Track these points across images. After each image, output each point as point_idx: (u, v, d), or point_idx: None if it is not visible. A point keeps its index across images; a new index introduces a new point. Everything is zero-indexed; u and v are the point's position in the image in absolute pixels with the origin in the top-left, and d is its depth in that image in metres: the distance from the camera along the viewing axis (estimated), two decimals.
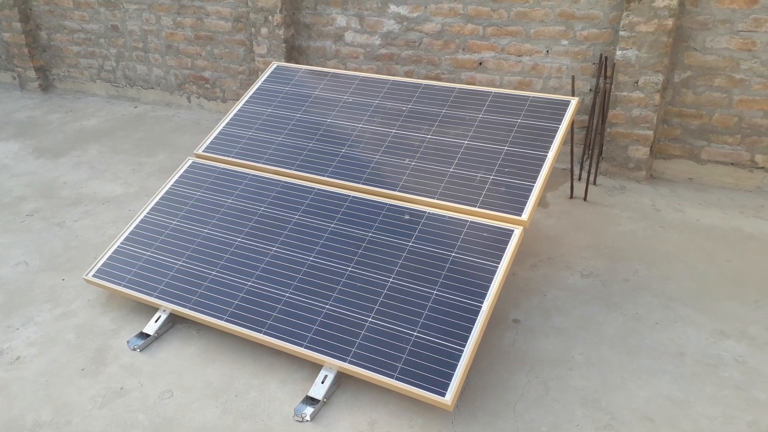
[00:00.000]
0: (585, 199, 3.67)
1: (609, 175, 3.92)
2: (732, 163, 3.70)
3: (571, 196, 3.71)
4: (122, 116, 5.30)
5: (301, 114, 3.36)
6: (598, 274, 3.00)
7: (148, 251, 2.88)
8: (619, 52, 3.60)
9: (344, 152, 3.09)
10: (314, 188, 2.97)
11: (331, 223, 2.78)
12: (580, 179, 3.88)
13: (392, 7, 4.23)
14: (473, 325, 2.29)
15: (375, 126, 3.17)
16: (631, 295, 2.83)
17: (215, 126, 4.98)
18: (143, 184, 4.04)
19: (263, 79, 3.66)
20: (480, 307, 2.33)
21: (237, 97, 5.15)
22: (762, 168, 3.65)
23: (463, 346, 2.23)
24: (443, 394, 2.12)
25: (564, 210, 3.58)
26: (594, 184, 3.84)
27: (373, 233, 2.70)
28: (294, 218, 2.85)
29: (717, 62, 3.52)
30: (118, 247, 2.94)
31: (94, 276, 2.84)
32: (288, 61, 4.63)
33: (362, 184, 2.92)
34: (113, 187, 4.02)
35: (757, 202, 3.58)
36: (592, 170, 3.84)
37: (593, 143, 3.77)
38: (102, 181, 4.11)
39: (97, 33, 5.49)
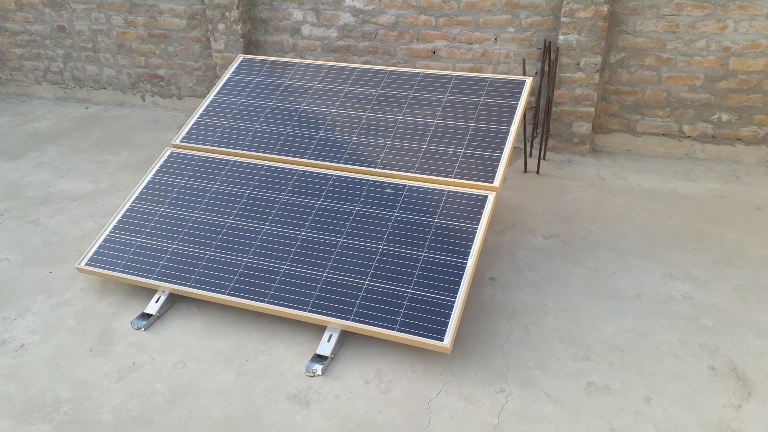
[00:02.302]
0: (537, 172, 4.01)
1: (556, 151, 4.29)
2: (663, 134, 4.14)
3: (525, 171, 4.04)
4: (74, 117, 5.26)
5: (274, 102, 3.52)
6: (558, 235, 3.32)
7: (139, 237, 2.98)
8: (561, 37, 3.96)
9: (321, 135, 3.28)
10: (297, 170, 3.14)
11: (318, 200, 2.97)
12: (531, 155, 4.22)
13: (348, 1, 4.44)
14: (461, 279, 2.54)
15: (348, 110, 3.38)
16: (589, 251, 3.17)
17: (176, 121, 5.04)
18: (113, 181, 4.08)
19: (231, 71, 3.80)
20: (465, 263, 2.59)
21: (194, 94, 5.22)
22: (689, 137, 4.10)
23: (455, 297, 2.48)
24: (442, 339, 2.36)
25: (520, 183, 3.91)
26: (544, 159, 4.19)
27: (359, 207, 2.91)
28: (281, 198, 3.02)
29: (647, 43, 3.93)
30: (108, 235, 3.02)
31: (87, 264, 2.91)
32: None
33: (342, 163, 3.12)
34: (81, 184, 4.04)
35: (686, 167, 4.03)
36: (542, 147, 4.19)
37: (542, 121, 4.12)
38: (68, 179, 4.11)
39: (42, 34, 5.41)
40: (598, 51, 3.91)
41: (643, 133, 4.18)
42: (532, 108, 4.22)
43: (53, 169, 4.26)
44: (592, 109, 4.08)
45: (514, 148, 4.39)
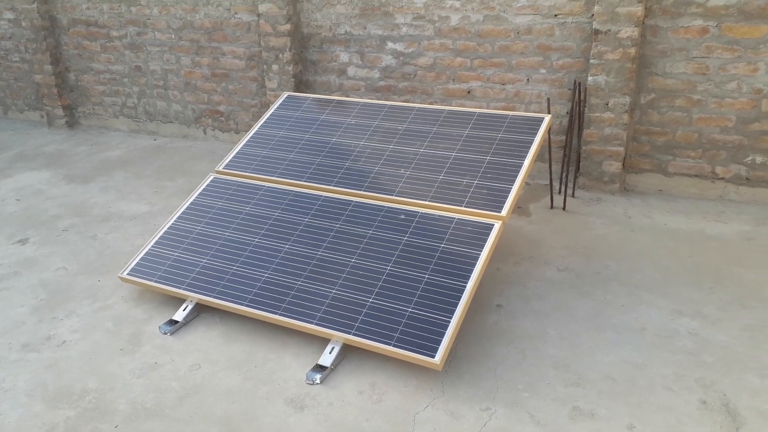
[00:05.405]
0: (564, 209, 4.07)
1: (586, 189, 4.34)
2: (696, 175, 4.12)
3: (551, 207, 4.12)
4: (143, 147, 5.77)
5: (309, 135, 3.81)
6: (573, 268, 3.38)
7: (176, 252, 3.28)
8: (590, 78, 4.06)
9: (348, 165, 3.52)
10: (322, 196, 3.38)
11: (337, 224, 3.19)
12: (560, 192, 4.29)
13: (390, 44, 4.73)
14: (458, 301, 2.66)
15: (375, 143, 3.61)
16: (601, 285, 3.20)
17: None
18: (166, 204, 4.47)
19: (276, 106, 4.13)
20: (465, 286, 2.71)
21: (249, 129, 5.62)
22: (722, 179, 4.06)
23: (450, 318, 2.61)
24: (433, 356, 2.48)
25: (544, 218, 3.98)
26: (572, 196, 4.25)
27: (373, 231, 3.10)
28: (304, 221, 3.26)
29: (677, 85, 3.98)
30: (149, 249, 3.34)
31: (128, 274, 3.24)
32: None
33: (363, 191, 3.34)
34: (138, 206, 4.45)
35: (718, 209, 3.98)
36: (570, 184, 4.25)
37: (569, 159, 4.20)
38: (128, 201, 4.54)
39: (121, 73, 6.02)
40: (626, 92, 3.98)
41: (674, 174, 4.18)
42: (562, 147, 4.31)
43: (117, 192, 4.71)
44: (622, 149, 4.12)
45: (544, 186, 4.47)
